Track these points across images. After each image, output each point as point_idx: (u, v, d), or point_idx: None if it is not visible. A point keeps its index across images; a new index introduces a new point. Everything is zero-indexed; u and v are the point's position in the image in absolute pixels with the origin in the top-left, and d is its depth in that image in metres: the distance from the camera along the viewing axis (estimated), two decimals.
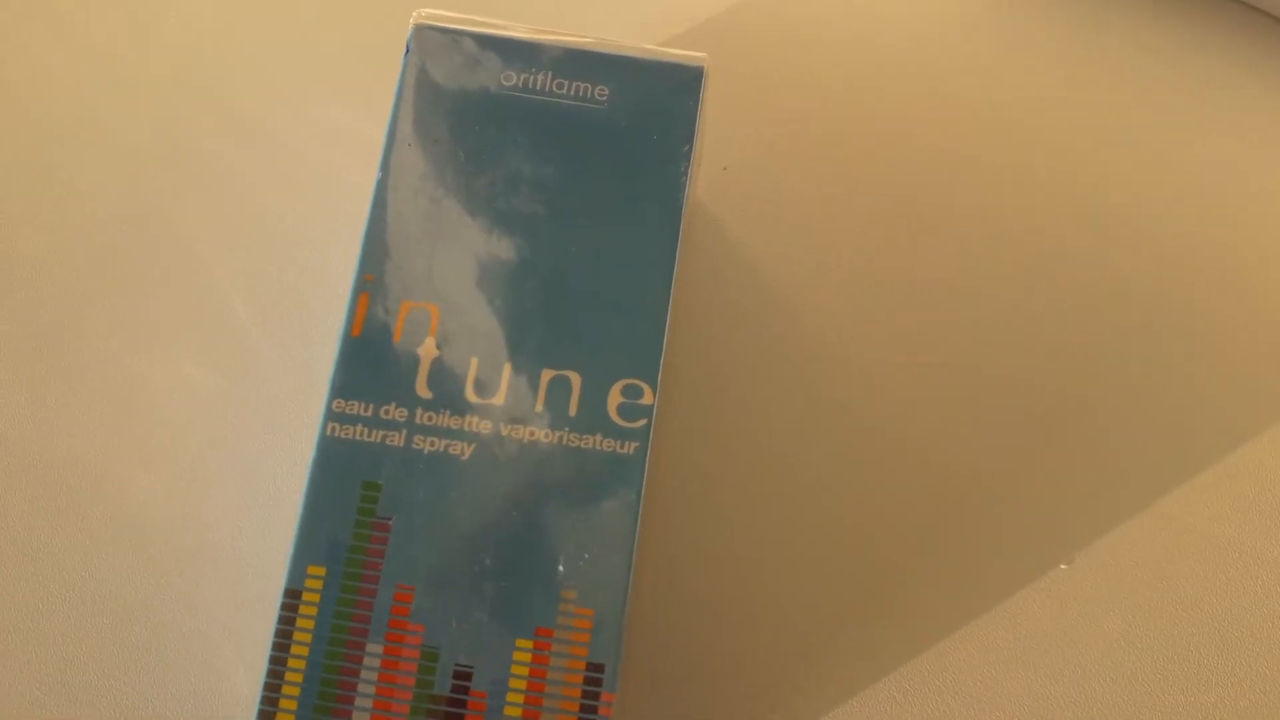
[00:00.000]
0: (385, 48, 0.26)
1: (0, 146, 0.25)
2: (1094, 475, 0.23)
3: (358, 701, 0.17)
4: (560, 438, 0.18)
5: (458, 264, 0.18)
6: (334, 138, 0.25)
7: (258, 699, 0.17)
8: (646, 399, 0.18)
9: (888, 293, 0.24)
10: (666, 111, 0.19)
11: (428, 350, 0.18)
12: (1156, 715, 0.22)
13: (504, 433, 0.18)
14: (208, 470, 0.23)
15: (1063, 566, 0.23)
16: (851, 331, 0.24)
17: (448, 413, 0.18)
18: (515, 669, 0.17)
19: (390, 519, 0.17)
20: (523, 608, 0.17)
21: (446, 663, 0.17)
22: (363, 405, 0.18)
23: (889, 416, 0.23)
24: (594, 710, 0.17)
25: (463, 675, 0.17)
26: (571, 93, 0.19)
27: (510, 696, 0.17)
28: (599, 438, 0.18)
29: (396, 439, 0.18)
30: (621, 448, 0.18)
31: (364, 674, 0.17)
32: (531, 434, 0.18)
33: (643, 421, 0.18)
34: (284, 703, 0.17)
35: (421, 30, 0.20)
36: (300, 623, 0.17)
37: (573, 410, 0.18)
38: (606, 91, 0.19)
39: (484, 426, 0.18)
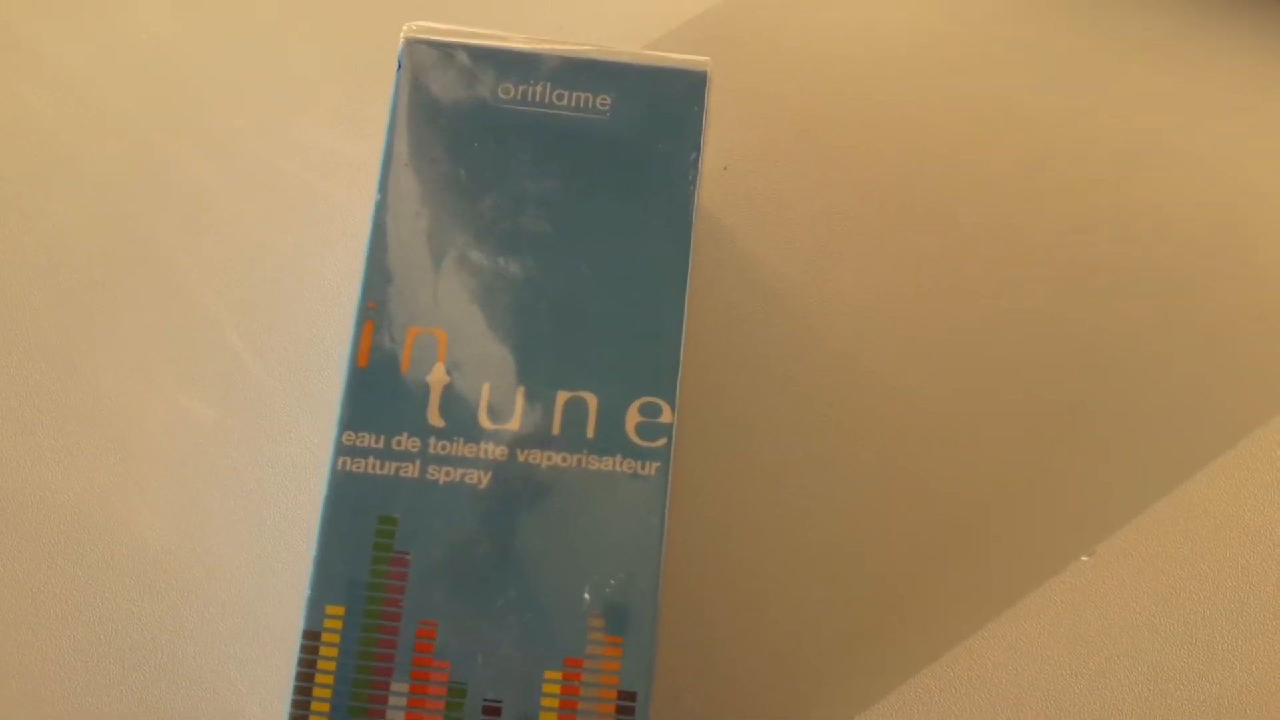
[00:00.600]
0: (366, 63, 0.25)
1: None
2: (1110, 466, 0.23)
3: None
4: (579, 461, 0.17)
5: (464, 286, 0.18)
6: (318, 159, 0.25)
7: None
8: (665, 417, 0.18)
9: (895, 291, 0.24)
10: (671, 119, 0.19)
11: (438, 377, 0.18)
12: (1184, 703, 0.22)
13: (521, 458, 0.17)
14: (211, 504, 0.22)
15: (1084, 559, 0.22)
16: (859, 332, 0.24)
17: (462, 440, 0.17)
18: (545, 701, 0.16)
19: (408, 553, 0.17)
20: (550, 638, 0.17)
21: (475, 698, 0.16)
22: (373, 437, 0.17)
23: (902, 416, 0.23)
24: None
25: (492, 710, 0.16)
26: (572, 104, 0.19)
27: None
28: (619, 459, 0.17)
29: (410, 470, 0.17)
30: (642, 469, 0.17)
31: (390, 714, 0.16)
32: (549, 458, 0.17)
33: (663, 441, 0.17)
34: None
35: (412, 44, 0.19)
36: (321, 664, 0.16)
37: (590, 432, 0.17)
38: (608, 101, 0.19)
39: (500, 453, 0.17)
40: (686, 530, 0.22)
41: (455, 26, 0.19)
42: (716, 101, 0.25)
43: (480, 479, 0.17)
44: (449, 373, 0.18)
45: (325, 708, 0.16)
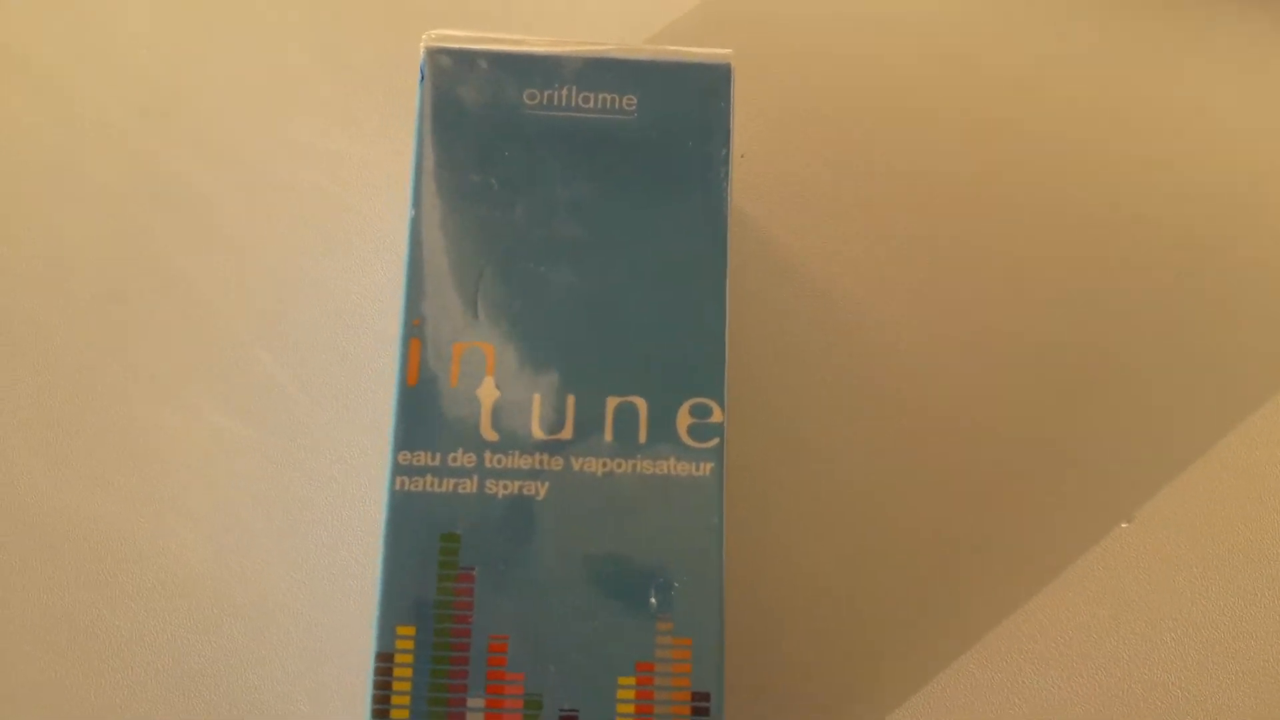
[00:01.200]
0: (368, 63, 0.25)
1: None
2: (1144, 430, 0.23)
3: None
4: (633, 466, 0.17)
5: (505, 298, 0.18)
6: (326, 164, 0.24)
7: None
8: (716, 417, 0.18)
9: (919, 268, 0.24)
10: (698, 116, 0.19)
11: (487, 391, 0.18)
12: (1232, 663, 0.22)
13: (576, 467, 0.17)
14: (255, 525, 0.22)
15: (1123, 525, 0.23)
16: (888, 311, 0.24)
17: (517, 453, 0.17)
18: (621, 707, 0.17)
19: (473, 569, 0.17)
20: (620, 644, 0.17)
21: (551, 709, 0.17)
22: (429, 455, 0.17)
23: (937, 395, 0.23)
24: None
25: (569, 719, 0.17)
26: (598, 105, 0.19)
27: None
28: (672, 461, 0.17)
29: (468, 486, 0.17)
30: (697, 469, 0.17)
31: None
32: (604, 465, 0.17)
33: (714, 441, 0.18)
34: None
35: (434, 54, 0.19)
36: (396, 685, 0.17)
37: (642, 437, 0.18)
38: (634, 100, 0.19)
39: (555, 463, 0.17)
40: (740, 525, 0.22)
41: (474, 33, 0.19)
42: None
43: (538, 490, 0.17)
44: (498, 386, 0.18)
45: None
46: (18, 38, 0.25)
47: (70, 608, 0.22)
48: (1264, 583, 0.22)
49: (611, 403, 0.18)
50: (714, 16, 0.26)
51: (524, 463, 0.17)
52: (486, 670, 0.17)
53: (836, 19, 0.26)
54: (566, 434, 0.18)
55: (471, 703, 0.17)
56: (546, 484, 0.17)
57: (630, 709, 0.17)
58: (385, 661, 0.17)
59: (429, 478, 0.17)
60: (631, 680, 0.17)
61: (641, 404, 0.18)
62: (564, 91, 0.19)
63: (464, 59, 0.19)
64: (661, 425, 0.18)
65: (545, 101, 0.19)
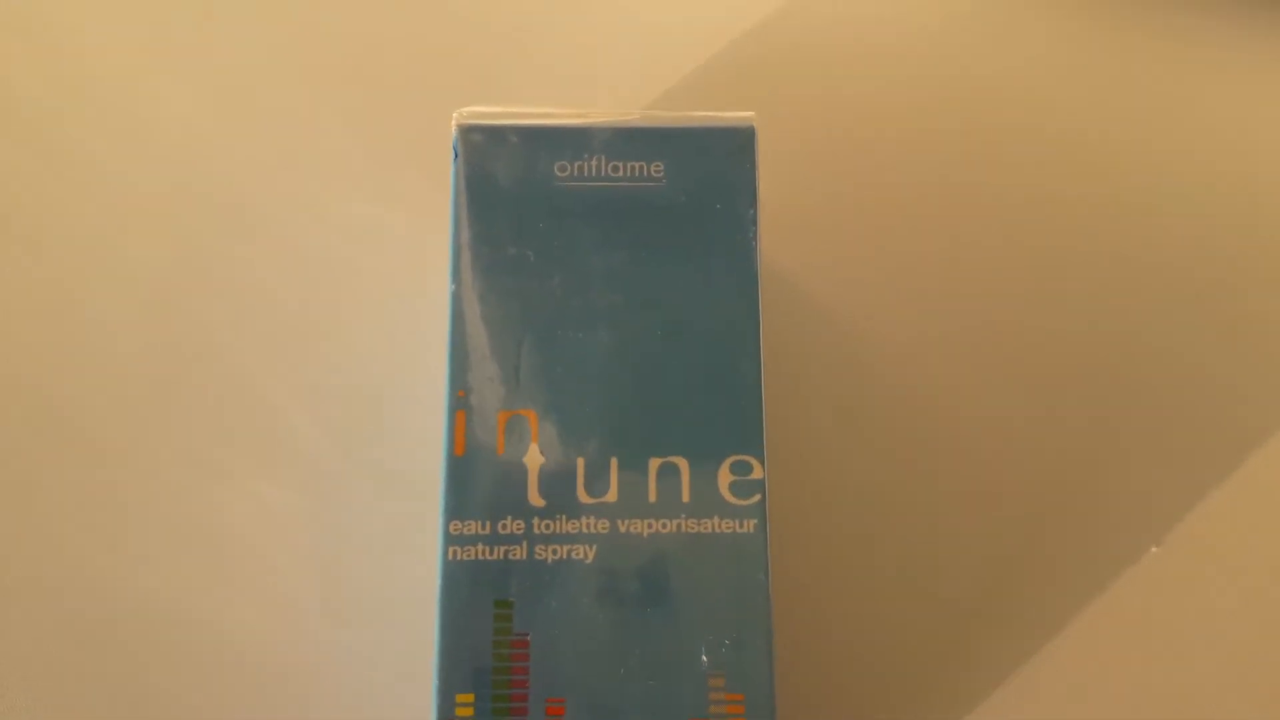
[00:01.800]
0: (412, 142, 0.26)
1: (19, 292, 0.25)
2: (1168, 454, 0.24)
3: None
4: (678, 525, 0.18)
5: (546, 365, 0.18)
6: (370, 242, 0.25)
7: None
8: (756, 474, 0.18)
9: (939, 307, 0.24)
10: (724, 178, 0.19)
11: (533, 458, 0.18)
12: (1264, 683, 0.22)
13: (622, 529, 0.18)
14: (304, 593, 0.23)
15: (1154, 550, 0.23)
16: (904, 340, 0.24)
17: (564, 517, 0.18)
18: None
19: (527, 635, 0.17)
20: (674, 702, 0.17)
21: None
22: (479, 524, 0.18)
23: (970, 433, 0.24)
24: None
25: None
26: (627, 174, 0.19)
27: None
28: (716, 520, 0.18)
29: (518, 553, 0.18)
30: (740, 526, 0.18)
31: None
32: (649, 526, 0.18)
33: (756, 497, 0.18)
34: None
35: (466, 131, 0.20)
36: None
37: (685, 496, 0.18)
38: (662, 167, 0.19)
39: (602, 526, 0.18)
40: (787, 578, 0.23)
41: (503, 108, 0.20)
42: None
43: (586, 554, 0.18)
44: (543, 452, 0.18)
45: None
46: (57, 124, 0.26)
47: (126, 677, 0.23)
48: None
49: (654, 464, 0.18)
50: (731, 64, 0.26)
51: (571, 527, 0.18)
52: None
53: (849, 61, 0.26)
54: (611, 496, 0.18)
55: None
56: (594, 547, 0.18)
57: None
58: None
59: (480, 546, 0.18)
60: None
61: (683, 463, 0.18)
62: (593, 162, 0.19)
63: (495, 134, 0.19)
64: (703, 484, 0.18)
65: (576, 173, 0.19)
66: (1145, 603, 0.23)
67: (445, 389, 0.18)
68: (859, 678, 0.22)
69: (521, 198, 0.19)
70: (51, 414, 0.24)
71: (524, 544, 0.18)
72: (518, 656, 0.17)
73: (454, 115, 0.20)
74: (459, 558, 0.18)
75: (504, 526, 0.18)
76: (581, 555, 0.18)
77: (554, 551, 0.18)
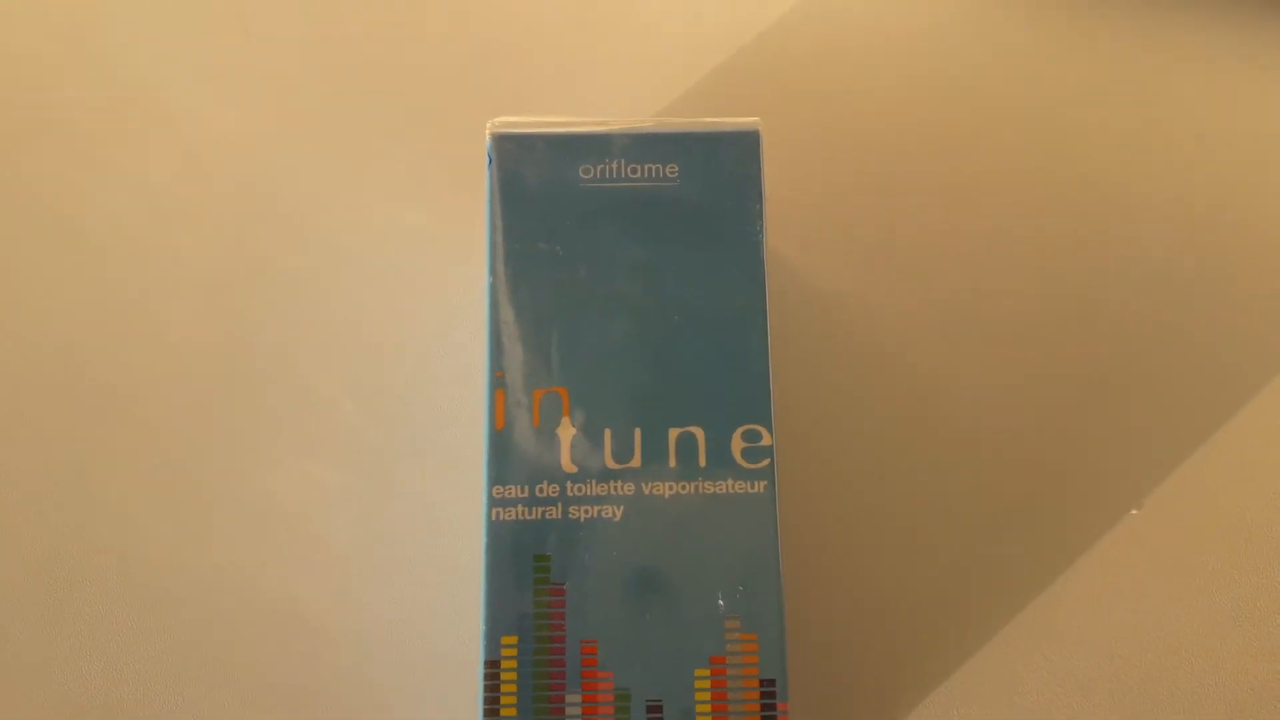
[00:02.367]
0: (448, 150, 0.28)
1: (87, 294, 0.27)
2: (1149, 422, 0.26)
3: None
4: (695, 488, 0.20)
5: (575, 347, 0.21)
6: (411, 243, 0.27)
7: None
8: (765, 440, 0.20)
9: (926, 288, 0.27)
10: (733, 178, 0.21)
11: (565, 430, 0.20)
12: (1251, 633, 0.24)
13: (646, 491, 0.20)
14: (357, 563, 0.25)
15: (1133, 512, 0.25)
16: (901, 318, 0.26)
17: (594, 482, 0.20)
18: (699, 695, 0.19)
19: (564, 584, 0.20)
20: (695, 642, 0.19)
21: (638, 700, 0.19)
22: (519, 488, 0.20)
23: (957, 400, 0.26)
24: (774, 719, 0.19)
25: (654, 709, 0.19)
26: (645, 175, 0.22)
27: (699, 719, 0.19)
28: (730, 482, 0.20)
29: (554, 513, 0.20)
30: (751, 487, 0.20)
31: None
32: (670, 488, 0.20)
33: (765, 461, 0.20)
34: None
35: (499, 140, 0.22)
36: (504, 687, 0.19)
37: (702, 461, 0.20)
38: (676, 169, 0.22)
39: (627, 489, 0.20)
40: (793, 533, 0.25)
41: (531, 118, 0.22)
42: None
43: (614, 513, 0.20)
44: (574, 425, 0.20)
45: None
46: (122, 143, 0.28)
47: (198, 642, 0.25)
48: (1267, 562, 0.25)
49: (673, 433, 0.20)
50: (737, 70, 0.28)
51: (600, 489, 0.20)
52: (581, 670, 0.19)
53: (848, 63, 0.28)
54: (635, 463, 0.20)
55: (570, 699, 0.19)
56: (621, 507, 0.20)
57: (707, 696, 0.19)
58: (493, 668, 0.19)
59: (520, 508, 0.20)
60: (707, 672, 0.19)
61: (699, 433, 0.20)
62: (614, 165, 0.22)
63: (525, 142, 0.22)
64: (718, 450, 0.20)
65: (598, 175, 0.22)
66: (1126, 559, 0.25)
67: (485, 371, 0.21)
68: (860, 620, 0.24)
69: (549, 198, 0.21)
70: (126, 408, 0.26)
71: (559, 505, 0.20)
72: (555, 604, 0.20)
73: (487, 125, 0.22)
74: (501, 518, 0.20)
75: (541, 490, 0.20)
76: (610, 514, 0.20)
77: (585, 511, 0.20)
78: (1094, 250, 0.27)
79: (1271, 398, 0.26)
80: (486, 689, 0.19)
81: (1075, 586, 0.25)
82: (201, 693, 0.25)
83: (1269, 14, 0.29)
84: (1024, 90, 0.28)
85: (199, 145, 0.28)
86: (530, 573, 0.20)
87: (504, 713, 0.19)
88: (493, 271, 0.21)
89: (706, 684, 0.19)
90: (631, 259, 0.21)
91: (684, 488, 0.20)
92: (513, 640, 0.19)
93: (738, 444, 0.20)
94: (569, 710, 0.19)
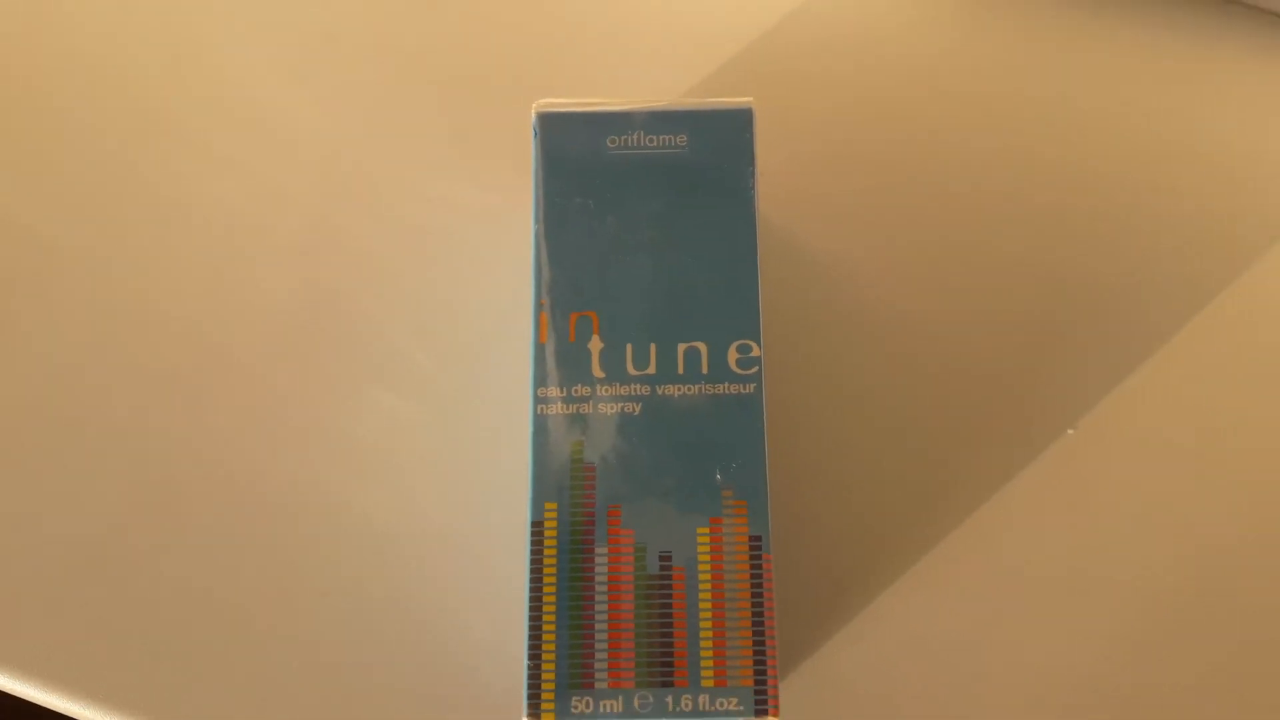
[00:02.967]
0: (494, 131, 0.33)
1: (199, 262, 0.33)
2: (1083, 354, 0.31)
3: (597, 586, 0.24)
4: (699, 390, 0.25)
5: (604, 280, 0.26)
6: (458, 207, 0.33)
7: (526, 595, 0.24)
8: (755, 353, 0.25)
9: (902, 240, 0.32)
10: (732, 146, 0.27)
11: (595, 344, 0.26)
12: (1171, 556, 0.29)
13: (660, 393, 0.25)
14: (419, 479, 0.30)
15: (1069, 432, 0.30)
16: (873, 258, 0.31)
17: (618, 384, 0.25)
18: (700, 548, 0.24)
19: (594, 464, 0.25)
20: (698, 506, 0.24)
21: (652, 552, 0.24)
22: (558, 389, 0.25)
23: (917, 335, 0.31)
24: (759, 566, 0.24)
25: (665, 559, 0.24)
26: (660, 144, 0.27)
27: (700, 567, 0.24)
28: (727, 385, 0.25)
29: (586, 409, 0.25)
30: (744, 389, 0.25)
31: (597, 568, 0.24)
32: (679, 390, 0.25)
33: (755, 369, 0.25)
34: (546, 594, 0.24)
35: (543, 117, 0.27)
36: (546, 542, 0.24)
37: (705, 369, 0.25)
38: (685, 139, 0.27)
39: (644, 390, 0.25)
40: (776, 425, 0.30)
41: (568, 99, 0.27)
42: None
43: (634, 409, 0.25)
44: (602, 340, 0.26)
45: (553, 573, 0.24)
46: (212, 132, 0.34)
47: (283, 551, 0.30)
48: (1192, 481, 0.30)
49: (681, 347, 0.25)
50: (743, 64, 0.34)
51: (623, 391, 0.25)
52: (608, 527, 0.24)
53: (844, 58, 0.34)
54: (651, 370, 0.25)
55: (598, 550, 0.24)
56: (640, 405, 0.25)
57: (707, 547, 0.24)
58: (538, 528, 0.24)
59: (558, 405, 0.25)
60: (706, 530, 0.24)
61: (703, 346, 0.25)
62: (635, 136, 0.27)
63: (563, 118, 0.27)
64: (717, 360, 0.25)
65: (622, 144, 0.27)
66: (1063, 471, 0.30)
67: (531, 299, 0.26)
68: (834, 496, 0.29)
69: (583, 163, 0.27)
70: (233, 356, 0.32)
71: (590, 402, 0.25)
72: (588, 478, 0.25)
73: (533, 106, 0.27)
74: (544, 413, 0.25)
75: (576, 391, 0.25)
76: (630, 410, 0.25)
77: (611, 408, 0.25)
78: (1058, 196, 0.32)
79: (1201, 331, 0.31)
80: (533, 542, 0.24)
81: (1020, 490, 0.30)
82: (287, 586, 0.30)
83: (1268, 14, 0.34)
84: (996, 69, 0.33)
85: (288, 135, 0.34)
86: (568, 453, 0.25)
87: (546, 560, 0.24)
88: (537, 221, 0.26)
89: (706, 539, 0.24)
90: (649, 210, 0.26)
91: (690, 390, 0.25)
92: (553, 506, 0.25)
93: (733, 355, 0.25)
94: (598, 560, 0.24)
